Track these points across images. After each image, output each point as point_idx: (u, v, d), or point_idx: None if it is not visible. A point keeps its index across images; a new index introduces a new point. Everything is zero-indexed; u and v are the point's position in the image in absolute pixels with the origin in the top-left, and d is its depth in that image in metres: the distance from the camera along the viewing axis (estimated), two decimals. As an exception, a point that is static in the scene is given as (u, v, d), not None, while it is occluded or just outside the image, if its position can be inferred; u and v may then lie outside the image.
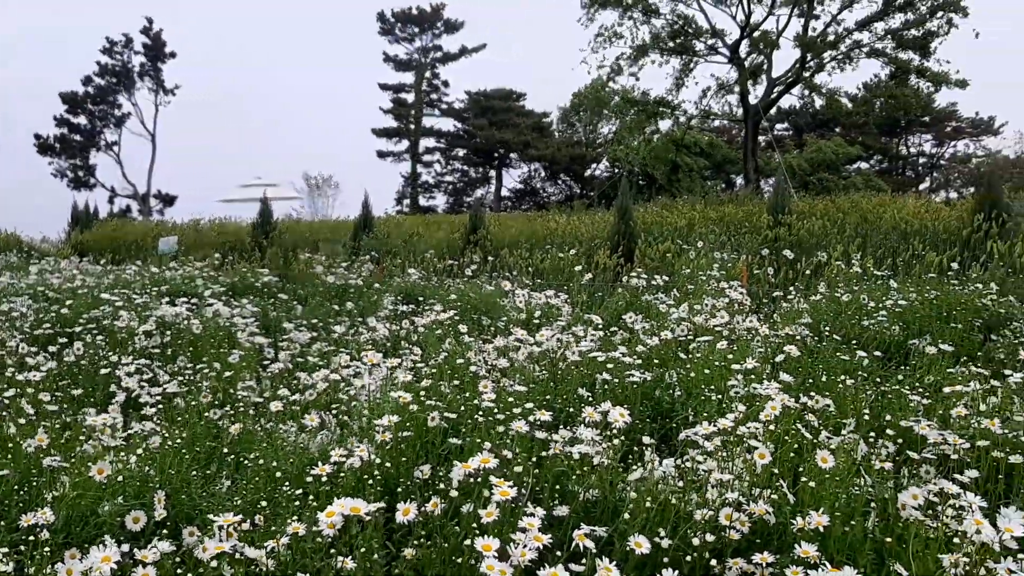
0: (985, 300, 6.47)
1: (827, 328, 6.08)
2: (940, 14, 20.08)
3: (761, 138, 45.78)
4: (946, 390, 3.84)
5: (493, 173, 45.92)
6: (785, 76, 22.15)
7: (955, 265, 7.48)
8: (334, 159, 58.46)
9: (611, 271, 9.36)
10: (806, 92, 23.24)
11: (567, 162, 42.86)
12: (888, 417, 4.01)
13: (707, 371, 4.55)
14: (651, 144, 25.14)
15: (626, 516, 2.82)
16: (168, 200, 43.51)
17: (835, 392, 4.20)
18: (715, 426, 3.27)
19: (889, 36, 20.82)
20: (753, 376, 4.36)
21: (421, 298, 7.69)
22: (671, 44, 21.80)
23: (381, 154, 45.72)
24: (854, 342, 5.76)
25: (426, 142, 46.20)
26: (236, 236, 16.75)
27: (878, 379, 4.67)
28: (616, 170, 39.94)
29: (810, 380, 4.43)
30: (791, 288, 7.81)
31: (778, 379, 4.09)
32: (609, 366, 4.40)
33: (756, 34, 21.72)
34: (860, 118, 40.33)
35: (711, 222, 11.57)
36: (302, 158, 54.59)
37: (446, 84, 45.99)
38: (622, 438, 3.62)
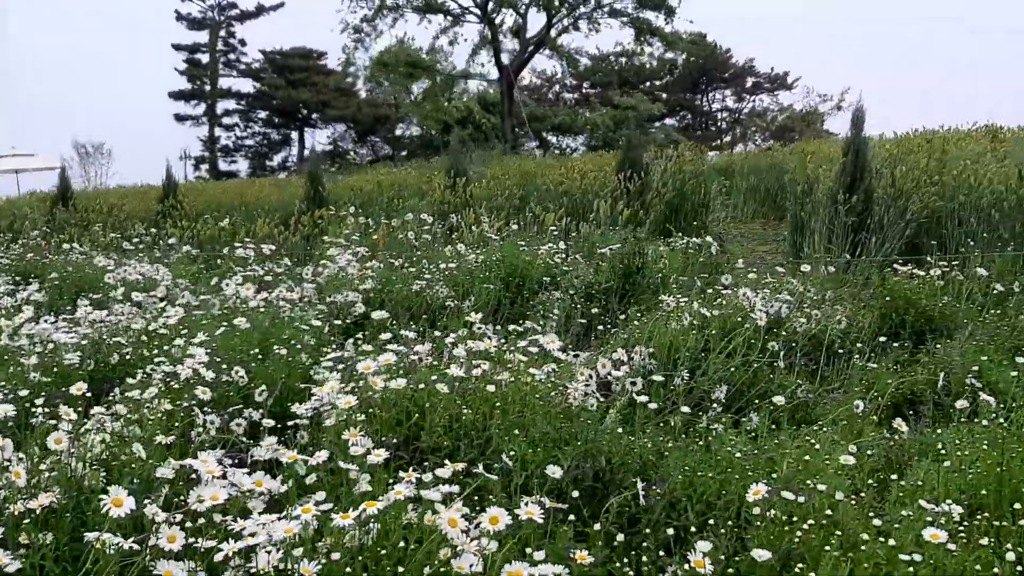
0: (556, 259, 6.80)
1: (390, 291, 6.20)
2: (678, -28, 21.01)
3: (569, 95, 46.70)
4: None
5: (296, 135, 44.59)
6: (536, 36, 22.53)
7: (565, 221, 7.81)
8: (130, 125, 54.56)
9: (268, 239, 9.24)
10: (551, 53, 23.79)
11: (371, 122, 42.06)
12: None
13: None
14: (421, 105, 25.10)
15: None
16: None
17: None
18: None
19: (629, -4, 21.61)
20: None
21: (20, 276, 7.30)
22: (420, 3, 21.67)
23: (179, 117, 43.48)
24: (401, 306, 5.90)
25: (226, 104, 44.25)
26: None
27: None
28: (423, 129, 39.77)
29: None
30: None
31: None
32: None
33: (501, -8, 21.95)
34: (664, 76, 41.76)
35: (400, 186, 11.64)
36: (91, 126, 50.84)
37: (243, 43, 44.02)
38: None
